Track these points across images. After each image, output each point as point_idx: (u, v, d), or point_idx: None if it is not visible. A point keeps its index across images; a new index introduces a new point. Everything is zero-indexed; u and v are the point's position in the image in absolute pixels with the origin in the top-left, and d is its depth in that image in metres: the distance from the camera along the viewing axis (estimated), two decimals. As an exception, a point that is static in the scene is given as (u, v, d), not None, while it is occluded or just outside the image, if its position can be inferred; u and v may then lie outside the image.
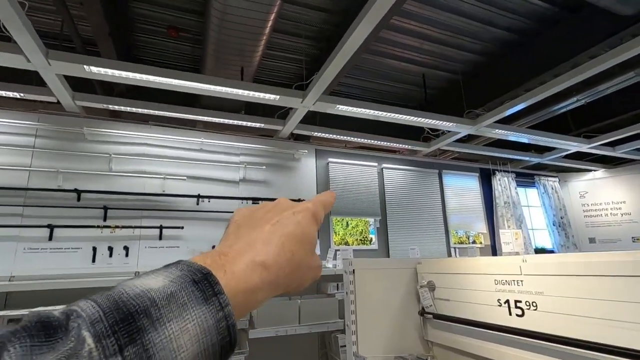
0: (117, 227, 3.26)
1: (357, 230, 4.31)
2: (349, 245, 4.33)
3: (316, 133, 4.21)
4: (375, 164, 4.75)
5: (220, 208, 3.72)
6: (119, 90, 3.80)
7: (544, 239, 5.96)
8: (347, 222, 4.34)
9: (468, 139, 5.04)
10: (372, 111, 3.64)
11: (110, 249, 3.22)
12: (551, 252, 5.81)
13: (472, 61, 4.44)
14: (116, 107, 3.39)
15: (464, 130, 4.26)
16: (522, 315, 1.32)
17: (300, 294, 3.73)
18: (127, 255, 3.27)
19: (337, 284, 3.65)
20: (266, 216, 0.34)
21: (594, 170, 6.33)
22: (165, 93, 3.67)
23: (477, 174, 5.53)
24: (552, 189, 6.08)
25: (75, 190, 3.20)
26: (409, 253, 4.27)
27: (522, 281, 1.33)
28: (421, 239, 4.73)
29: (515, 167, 5.91)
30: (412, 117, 3.84)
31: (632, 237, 5.78)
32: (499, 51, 4.28)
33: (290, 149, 4.24)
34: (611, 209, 6.01)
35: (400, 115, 3.77)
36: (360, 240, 4.36)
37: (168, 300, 0.22)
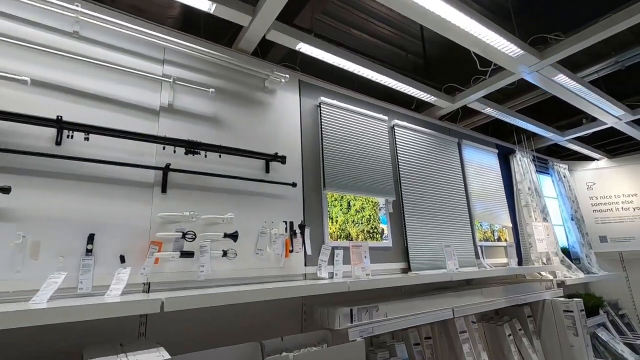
0: None
1: (362, 217, 2.61)
2: (351, 238, 2.61)
3: (305, 47, 2.45)
4: (386, 118, 3.13)
5: (113, 155, 1.76)
6: None
7: (559, 236, 4.90)
8: (349, 202, 2.62)
9: (500, 98, 3.73)
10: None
11: None
12: (567, 252, 4.75)
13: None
14: None
15: (520, 68, 2.86)
16: None
17: (284, 333, 1.92)
18: None
19: (351, 311, 1.92)
20: None
21: (597, 160, 5.52)
22: None
23: (496, 151, 4.24)
24: (565, 177, 5.08)
25: None
26: (445, 254, 2.70)
27: None
28: (446, 233, 3.21)
29: (531, 148, 4.78)
30: (463, 22, 2.30)
31: (647, 235, 4.99)
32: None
33: (261, 69, 2.41)
34: (622, 202, 5.20)
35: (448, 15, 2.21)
36: (368, 232, 2.66)
37: None
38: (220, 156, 2.04)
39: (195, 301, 1.40)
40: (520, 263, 3.92)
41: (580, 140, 5.02)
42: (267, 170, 2.29)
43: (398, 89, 3.05)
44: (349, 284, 1.91)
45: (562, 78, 3.04)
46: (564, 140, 4.64)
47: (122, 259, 1.66)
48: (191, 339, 1.78)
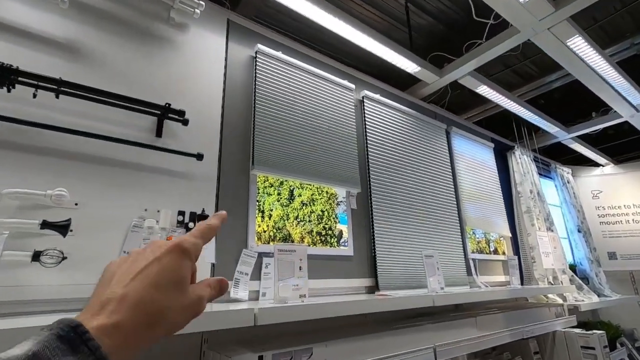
0: None
1: (310, 212, 1.83)
2: (292, 241, 1.83)
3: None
4: (353, 87, 2.39)
5: None
6: None
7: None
8: (292, 190, 1.84)
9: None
10: None
11: None
12: (574, 269, 4.01)
13: None
14: None
15: (528, 23, 2.17)
16: None
17: None
18: None
19: (260, 359, 1.10)
20: (127, 269, 0.32)
21: (602, 166, 4.88)
22: None
23: (492, 145, 3.54)
24: (569, 182, 4.40)
25: None
26: (425, 267, 1.92)
27: None
28: (429, 240, 2.44)
29: (532, 146, 4.10)
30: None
31: (662, 252, 4.30)
32: None
33: (160, -12, 1.65)
34: (633, 214, 4.53)
35: None
36: (319, 233, 1.88)
37: None
38: (57, 97, 1.25)
39: None
40: (521, 282, 3.16)
41: (585, 140, 4.37)
42: (159, 132, 1.51)
43: (370, 49, 2.33)
44: (257, 313, 1.12)
45: (578, 42, 2.37)
46: (570, 137, 3.98)
47: None
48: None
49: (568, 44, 2.37)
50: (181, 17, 1.73)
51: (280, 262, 1.40)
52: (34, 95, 1.22)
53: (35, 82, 1.21)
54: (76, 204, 1.27)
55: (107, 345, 0.26)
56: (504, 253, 3.19)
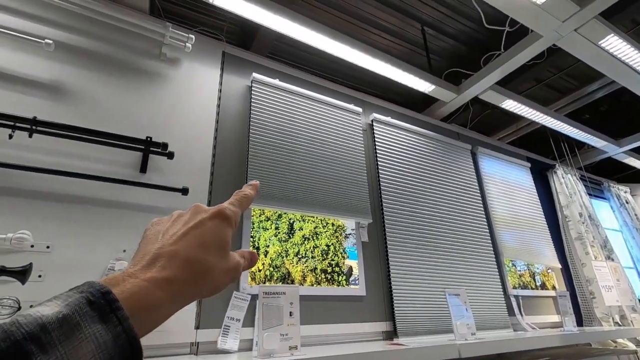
0: None
1: (312, 247, 1.64)
2: (292, 280, 1.63)
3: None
4: (359, 110, 2.25)
5: None
6: None
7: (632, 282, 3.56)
8: (292, 223, 1.68)
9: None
10: None
11: None
12: (648, 307, 3.38)
13: None
14: None
15: (550, 26, 1.95)
16: None
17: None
18: None
19: None
20: (173, 228, 0.32)
21: (667, 182, 4.24)
22: None
23: (528, 165, 3.19)
24: (628, 203, 3.84)
25: None
26: (450, 307, 1.63)
27: None
28: (457, 275, 2.14)
29: (577, 164, 3.66)
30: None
31: None
32: None
33: (147, 24, 1.66)
34: None
35: None
36: (324, 271, 1.68)
37: (60, 323, 0.21)
38: (30, 136, 1.22)
39: None
40: (580, 323, 2.68)
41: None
42: (143, 168, 1.44)
43: (378, 71, 2.20)
44: (225, 374, 0.93)
45: (614, 42, 2.09)
46: (621, 151, 3.51)
47: None
48: None
49: (602, 45, 2.10)
50: (173, 52, 1.72)
51: (265, 307, 1.22)
52: (10, 137, 1.20)
53: (12, 123, 1.20)
54: (48, 247, 1.20)
55: (157, 296, 0.27)
56: (554, 288, 2.74)
